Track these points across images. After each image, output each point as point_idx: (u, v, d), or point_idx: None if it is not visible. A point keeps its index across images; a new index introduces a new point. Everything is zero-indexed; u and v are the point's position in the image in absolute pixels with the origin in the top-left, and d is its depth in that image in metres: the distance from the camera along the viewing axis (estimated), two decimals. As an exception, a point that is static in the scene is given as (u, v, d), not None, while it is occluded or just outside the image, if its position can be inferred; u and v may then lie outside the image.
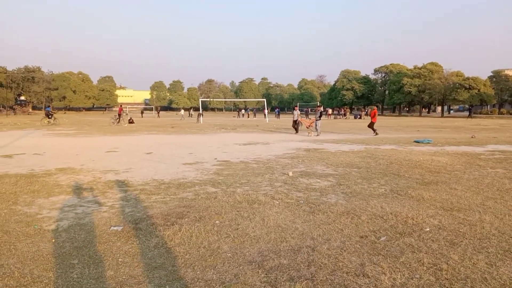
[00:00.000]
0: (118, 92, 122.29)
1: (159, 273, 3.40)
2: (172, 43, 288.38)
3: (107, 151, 13.22)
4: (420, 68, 77.87)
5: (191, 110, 43.67)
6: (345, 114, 65.12)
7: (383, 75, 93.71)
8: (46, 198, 6.24)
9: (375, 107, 26.59)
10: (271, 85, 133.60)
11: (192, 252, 3.89)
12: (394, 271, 3.43)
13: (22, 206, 5.69)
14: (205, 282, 3.22)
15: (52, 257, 3.78)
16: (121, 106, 41.83)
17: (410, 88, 75.53)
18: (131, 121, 35.81)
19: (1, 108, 79.17)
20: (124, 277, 3.32)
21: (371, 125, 22.09)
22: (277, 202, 5.86)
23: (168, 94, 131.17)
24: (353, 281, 3.24)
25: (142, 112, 43.57)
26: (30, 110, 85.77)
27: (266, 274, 3.36)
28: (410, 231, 4.52)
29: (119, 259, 3.72)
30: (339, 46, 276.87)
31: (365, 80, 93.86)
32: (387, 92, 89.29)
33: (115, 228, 4.66)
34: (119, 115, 35.01)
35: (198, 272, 3.42)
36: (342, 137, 19.67)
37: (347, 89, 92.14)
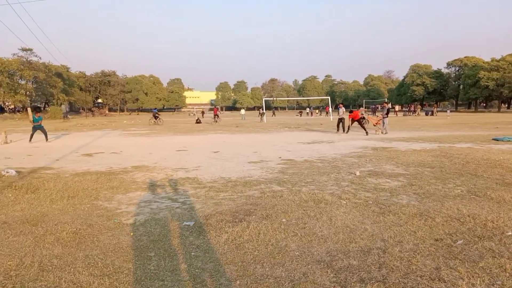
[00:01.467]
0: (186, 93, 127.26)
1: (230, 268, 3.51)
2: (236, 44, 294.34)
3: (177, 150, 13.85)
4: (498, 61, 71.69)
5: (261, 110, 43.92)
6: (415, 111, 62.02)
7: (456, 69, 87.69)
8: (124, 194, 6.70)
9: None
10: (335, 83, 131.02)
11: (261, 249, 3.96)
12: (473, 277, 3.22)
13: (103, 201, 6.16)
14: (274, 279, 3.27)
15: (131, 249, 4.06)
16: (216, 107, 45.93)
17: (487, 82, 69.89)
18: (198, 121, 37.16)
19: (81, 110, 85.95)
20: (197, 271, 3.48)
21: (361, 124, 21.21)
22: (345, 202, 5.77)
23: (233, 94, 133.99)
24: (427, 285, 3.10)
25: (203, 113, 44.89)
26: (107, 112, 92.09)
27: (335, 274, 3.33)
28: (490, 235, 4.22)
29: (192, 253, 3.90)
30: (409, 40, 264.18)
31: (437, 75, 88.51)
32: (461, 86, 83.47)
33: (187, 223, 4.88)
34: (216, 115, 39.32)
35: (267, 268, 3.48)
36: (412, 135, 18.77)
37: (417, 85, 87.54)
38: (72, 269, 3.54)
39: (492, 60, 74.16)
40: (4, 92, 59.06)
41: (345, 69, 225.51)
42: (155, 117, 37.11)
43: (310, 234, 4.37)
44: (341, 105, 23.99)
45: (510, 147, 12.51)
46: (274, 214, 5.18)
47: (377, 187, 6.86)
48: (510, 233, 4.26)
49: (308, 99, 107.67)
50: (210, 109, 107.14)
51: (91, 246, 4.16)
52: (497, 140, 15.10)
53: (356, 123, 21.62)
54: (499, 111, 70.64)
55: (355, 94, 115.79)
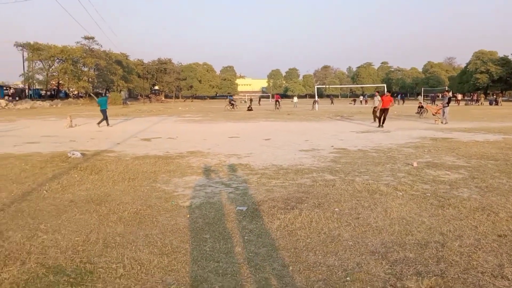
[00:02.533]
0: (238, 81, 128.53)
1: (282, 254, 3.55)
2: (288, 30, 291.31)
3: (230, 137, 14.09)
4: None
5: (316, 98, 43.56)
6: (478, 100, 58.24)
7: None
8: (180, 177, 6.96)
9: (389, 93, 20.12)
10: (392, 70, 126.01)
11: (313, 237, 3.96)
12: (543, 278, 3.02)
13: (161, 184, 6.43)
14: (327, 267, 3.27)
15: (187, 231, 4.22)
16: (277, 94, 48.58)
17: None
18: (250, 109, 37.48)
19: (139, 97, 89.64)
20: (250, 254, 3.56)
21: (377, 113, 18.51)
22: (401, 194, 5.59)
23: (284, 82, 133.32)
24: (489, 282, 2.95)
25: (251, 100, 44.89)
26: (163, 98, 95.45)
27: (391, 266, 3.26)
28: None
29: (245, 237, 3.99)
30: (472, 25, 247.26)
31: (503, 62, 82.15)
32: (531, 74, 77.02)
33: (240, 208, 4.98)
34: (277, 101, 42.45)
35: (319, 256, 3.48)
36: (475, 126, 17.69)
37: (481, 72, 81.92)
38: (133, 247, 3.75)
39: None
40: (68, 78, 62.93)
41: (403, 56, 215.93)
42: (231, 104, 39.88)
43: (364, 225, 4.30)
44: (377, 93, 21.89)
45: None
46: (326, 203, 5.15)
47: (436, 179, 6.57)
48: None
49: (362, 87, 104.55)
50: (262, 97, 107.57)
51: (150, 226, 4.38)
52: None
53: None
54: None
55: (413, 82, 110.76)
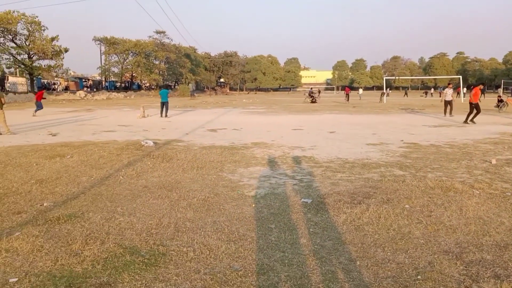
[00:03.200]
0: (302, 73, 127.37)
1: (349, 248, 3.50)
2: (354, 21, 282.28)
3: (293, 129, 14.06)
4: None
5: (388, 90, 42.44)
6: None
7: None
8: (245, 168, 7.09)
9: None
10: (468, 60, 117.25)
11: (381, 233, 3.85)
12: None
13: (227, 173, 6.61)
14: (396, 264, 3.16)
15: (253, 220, 4.31)
16: (347, 87, 48.37)
17: None
18: (313, 101, 37.03)
19: (205, 89, 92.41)
20: (316, 247, 3.55)
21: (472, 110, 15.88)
22: (478, 192, 5.23)
23: (350, 73, 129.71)
24: None
25: (318, 92, 43.17)
26: (228, 90, 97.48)
27: (466, 267, 3.08)
28: None
29: (310, 229, 3.98)
30: None
31: None
32: None
33: (305, 200, 4.98)
34: (347, 94, 42.18)
35: (388, 253, 3.38)
36: None
37: None
38: (202, 232, 3.91)
39: None
40: (141, 71, 66.48)
41: (481, 45, 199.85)
42: (311, 96, 38.65)
43: (437, 223, 4.09)
44: (450, 85, 20.41)
45: None
46: (395, 199, 4.97)
47: (519, 178, 6.05)
48: None
49: (434, 78, 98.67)
50: (327, 88, 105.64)
51: (218, 213, 4.53)
52: None
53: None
54: None
55: (491, 74, 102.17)
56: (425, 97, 55.80)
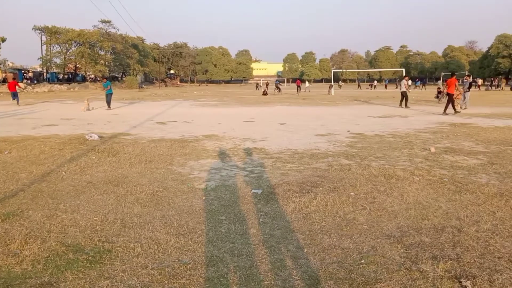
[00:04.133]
0: (253, 65, 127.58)
1: (297, 236, 3.57)
2: (305, 13, 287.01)
3: (245, 121, 14.09)
4: None
5: (341, 82, 47.20)
6: (499, 85, 56.70)
7: (552, 39, 78.00)
8: (195, 160, 7.01)
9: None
10: (411, 54, 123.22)
11: (328, 220, 3.96)
12: (562, 264, 2.97)
13: (176, 167, 6.50)
14: (342, 249, 3.27)
15: (203, 212, 4.27)
16: (298, 79, 51.55)
17: None
18: (265, 93, 37.32)
19: (154, 81, 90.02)
20: (265, 236, 3.59)
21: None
22: (418, 179, 5.53)
23: (300, 66, 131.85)
24: (506, 267, 2.92)
25: (267, 84, 45.32)
26: (178, 82, 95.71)
27: (406, 250, 3.25)
28: None
29: (260, 219, 4.02)
30: (495, 7, 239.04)
31: (528, 45, 79.52)
32: (559, 58, 74.35)
33: (255, 191, 5.01)
34: (298, 86, 45.16)
35: (334, 239, 3.49)
36: (495, 111, 17.27)
37: (503, 57, 79.41)
38: (150, 227, 3.82)
39: None
40: (85, 62, 63.48)
41: (422, 39, 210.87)
42: (278, 88, 44.80)
43: (380, 209, 4.28)
44: (406, 77, 21.80)
45: None
46: (341, 187, 5.13)
47: (454, 164, 6.47)
48: None
49: (380, 71, 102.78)
50: (279, 81, 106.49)
51: (167, 207, 4.44)
52: None
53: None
54: None
55: (432, 66, 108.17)
56: (370, 89, 57.99)
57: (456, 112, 16.25)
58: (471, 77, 24.82)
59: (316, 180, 5.47)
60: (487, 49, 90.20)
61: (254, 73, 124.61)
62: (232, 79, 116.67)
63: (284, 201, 4.59)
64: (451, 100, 16.35)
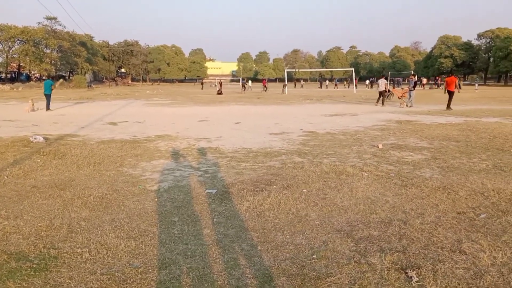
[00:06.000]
0: (207, 64, 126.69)
1: (251, 234, 3.59)
2: (259, 13, 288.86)
3: (199, 120, 13.96)
4: (534, 31, 68.23)
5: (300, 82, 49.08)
6: (441, 84, 60.14)
7: (487, 41, 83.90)
8: (148, 161, 6.85)
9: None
10: (360, 54, 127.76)
11: (281, 218, 4.02)
12: (495, 250, 3.20)
13: (127, 168, 6.31)
14: (294, 246, 3.33)
15: (155, 214, 4.18)
16: (264, 80, 53.12)
17: (521, 55, 66.79)
18: (219, 92, 37.16)
19: (104, 80, 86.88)
20: (219, 236, 3.57)
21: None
22: (366, 174, 5.74)
23: (254, 65, 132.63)
24: (448, 257, 3.10)
25: (221, 84, 44.41)
26: (130, 81, 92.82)
27: (355, 244, 3.36)
28: (516, 210, 4.14)
29: (214, 219, 4.00)
30: (438, 9, 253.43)
31: (467, 47, 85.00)
32: (491, 59, 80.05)
33: (210, 191, 4.98)
34: (265, 86, 47.28)
35: (287, 236, 3.54)
36: (438, 109, 18.30)
37: (446, 57, 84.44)
38: (99, 232, 3.68)
39: (527, 31, 70.51)
40: (30, 60, 60.14)
41: (371, 40, 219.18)
42: (244, 87, 47.08)
43: (331, 205, 4.40)
44: (382, 77, 23.73)
45: (541, 123, 12.07)
46: (294, 184, 5.22)
47: (400, 160, 6.78)
48: (536, 209, 4.17)
49: (331, 71, 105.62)
50: (232, 80, 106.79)
51: (117, 210, 4.31)
52: (528, 115, 14.58)
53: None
54: (531, 86, 67.70)
55: (380, 66, 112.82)
56: (320, 88, 59.46)
57: (448, 108, 17.71)
58: (416, 76, 26.17)
59: (270, 178, 5.52)
60: (430, 49, 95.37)
61: (209, 72, 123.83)
62: (186, 78, 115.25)
63: (239, 200, 4.60)
64: (451, 97, 18.08)
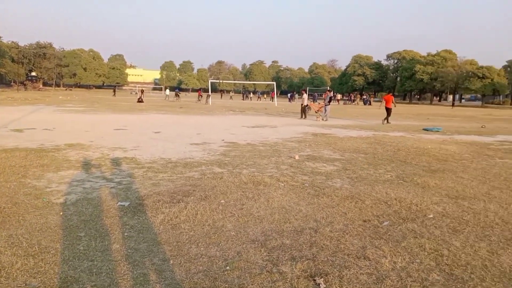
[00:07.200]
0: (128, 71, 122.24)
1: (164, 248, 3.47)
2: (184, 22, 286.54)
3: (116, 128, 13.33)
4: (433, 55, 76.56)
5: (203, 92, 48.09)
6: (354, 100, 64.62)
7: (395, 62, 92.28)
8: (55, 172, 6.34)
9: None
10: (282, 69, 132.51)
11: (197, 229, 3.95)
12: (395, 255, 3.46)
13: (31, 179, 5.79)
14: (208, 258, 3.29)
15: (59, 229, 3.86)
16: (200, 90, 51.89)
17: (422, 76, 74.46)
18: (140, 101, 35.96)
19: (12, 83, 79.56)
20: (129, 251, 3.40)
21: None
22: (283, 184, 5.90)
23: (178, 75, 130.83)
24: (353, 263, 3.28)
25: (142, 91, 42.03)
26: (41, 86, 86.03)
27: (268, 253, 3.42)
28: (414, 217, 4.54)
29: (125, 233, 3.80)
30: (353, 31, 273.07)
31: (377, 66, 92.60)
32: (398, 78, 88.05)
33: (122, 203, 4.74)
34: (200, 96, 45.91)
35: (202, 248, 3.49)
36: (350, 123, 19.57)
37: (358, 75, 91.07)
38: (-8, 250, 3.30)
39: (428, 54, 78.88)
40: None
41: (291, 56, 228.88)
42: (177, 95, 47.52)
43: (247, 215, 4.43)
44: (303, 92, 24.98)
45: (438, 137, 13.47)
46: (213, 195, 5.18)
47: (314, 171, 7.09)
48: (431, 216, 4.61)
49: (254, 83, 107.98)
50: (154, 88, 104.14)
51: (15, 225, 3.91)
52: (427, 130, 16.20)
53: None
54: (431, 103, 75.62)
55: (299, 81, 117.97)
56: (243, 100, 60.51)
57: (387, 122, 19.38)
58: (331, 92, 27.85)
59: (188, 189, 5.43)
60: (345, 67, 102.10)
61: (130, 79, 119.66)
62: (105, 84, 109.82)
63: (153, 212, 4.44)
64: (388, 113, 19.68)
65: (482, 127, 19.34)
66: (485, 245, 3.74)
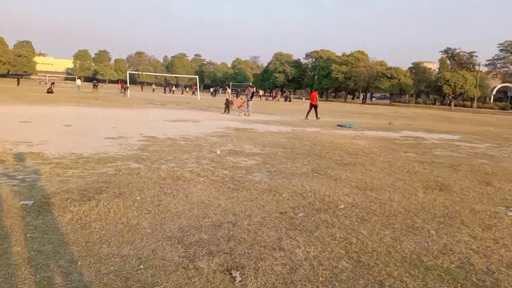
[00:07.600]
0: (37, 59, 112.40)
1: (72, 249, 3.24)
2: (100, 10, 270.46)
3: (21, 121, 12.19)
4: (348, 56, 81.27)
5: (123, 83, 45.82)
6: (275, 96, 66.38)
7: (313, 60, 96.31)
8: None
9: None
10: (205, 63, 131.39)
11: (109, 228, 3.76)
12: (308, 245, 3.61)
13: None
14: (120, 257, 3.14)
15: None
16: (121, 81, 50.87)
17: (338, 75, 78.66)
18: (50, 91, 33.29)
19: None
20: (32, 253, 3.12)
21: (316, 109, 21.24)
22: (203, 179, 5.85)
23: (93, 64, 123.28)
24: (269, 254, 3.36)
25: (52, 83, 37.85)
26: None
27: (185, 249, 3.36)
28: (326, 208, 4.78)
29: (28, 235, 3.49)
30: (275, 29, 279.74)
31: (297, 64, 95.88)
32: (316, 77, 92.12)
33: (25, 202, 4.34)
34: (123, 88, 43.10)
35: (113, 248, 3.32)
36: (271, 118, 20.04)
37: (279, 72, 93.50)
38: None
39: (343, 55, 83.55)
40: None
41: (215, 51, 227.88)
42: (95, 86, 46.89)
43: (165, 211, 4.32)
44: (227, 86, 25.37)
45: (351, 133, 14.36)
46: (128, 192, 4.96)
47: (235, 165, 7.14)
48: (342, 206, 4.89)
49: (176, 77, 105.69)
50: (66, 78, 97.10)
51: None
52: (341, 126, 17.18)
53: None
54: (345, 101, 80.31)
55: (223, 76, 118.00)
56: (165, 93, 59.04)
57: (317, 118, 20.44)
58: (254, 88, 28.35)
59: (101, 186, 5.14)
60: (267, 64, 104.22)
61: (39, 68, 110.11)
62: (10, 73, 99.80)
63: (60, 211, 4.13)
64: (315, 109, 20.98)
65: (389, 123, 21.01)
66: (389, 233, 4.06)
